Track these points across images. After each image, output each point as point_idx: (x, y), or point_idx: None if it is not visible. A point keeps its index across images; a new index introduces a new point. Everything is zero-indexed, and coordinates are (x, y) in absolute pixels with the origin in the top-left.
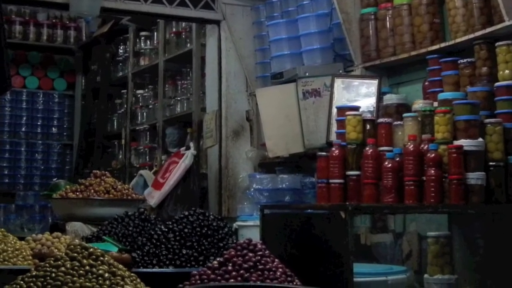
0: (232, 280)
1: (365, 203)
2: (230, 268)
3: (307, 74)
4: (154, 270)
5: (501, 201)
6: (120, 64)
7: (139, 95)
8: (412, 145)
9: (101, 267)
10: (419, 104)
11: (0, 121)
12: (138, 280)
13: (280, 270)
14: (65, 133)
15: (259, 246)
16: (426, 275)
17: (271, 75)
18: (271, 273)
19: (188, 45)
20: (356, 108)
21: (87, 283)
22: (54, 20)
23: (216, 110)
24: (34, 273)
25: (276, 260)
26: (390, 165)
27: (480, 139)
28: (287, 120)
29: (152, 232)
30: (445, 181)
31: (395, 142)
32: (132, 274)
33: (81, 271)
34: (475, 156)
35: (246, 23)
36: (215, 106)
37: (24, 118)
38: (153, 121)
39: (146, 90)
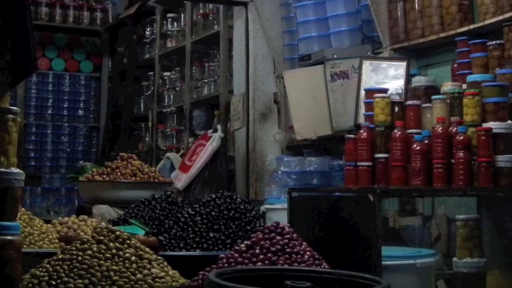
0: (260, 264)
1: (393, 186)
2: (257, 251)
3: (335, 56)
4: (181, 253)
5: None
6: (147, 46)
7: (166, 77)
8: (440, 128)
9: (127, 250)
10: (447, 86)
11: (26, 103)
12: (165, 263)
13: (308, 253)
14: (91, 116)
15: (287, 229)
16: (454, 258)
17: (299, 57)
18: (298, 256)
19: (216, 27)
20: (385, 91)
21: (113, 266)
22: (80, 2)
23: (244, 92)
24: (60, 256)
25: (304, 243)
26: (418, 147)
27: (509, 122)
28: (315, 103)
29: (179, 215)
30: (474, 164)
31: (424, 125)
32: (159, 257)
33: (107, 254)
34: (504, 138)
35: (273, 4)
36: (243, 88)
37: (51, 100)
38: (180, 104)
39: (173, 72)
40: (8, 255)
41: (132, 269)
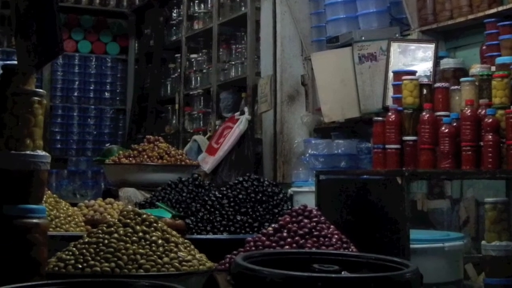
0: (287, 247)
1: (421, 168)
2: (285, 234)
3: (363, 38)
4: (208, 236)
5: None
6: (174, 28)
7: (193, 60)
8: (469, 110)
9: (154, 233)
10: (476, 69)
11: (52, 85)
12: (192, 246)
13: (336, 236)
14: (118, 98)
15: (315, 212)
16: (483, 242)
17: (326, 39)
18: (326, 239)
19: (243, 8)
20: (413, 73)
21: (140, 250)
22: None
23: (271, 74)
24: (86, 240)
25: (332, 226)
26: (447, 130)
27: None
28: (343, 85)
29: (206, 198)
30: (502, 147)
31: (452, 107)
32: (185, 240)
33: (134, 238)
34: None
35: None
36: (270, 70)
37: (77, 82)
38: (207, 86)
39: (200, 54)
40: (34, 238)
41: (158, 253)
